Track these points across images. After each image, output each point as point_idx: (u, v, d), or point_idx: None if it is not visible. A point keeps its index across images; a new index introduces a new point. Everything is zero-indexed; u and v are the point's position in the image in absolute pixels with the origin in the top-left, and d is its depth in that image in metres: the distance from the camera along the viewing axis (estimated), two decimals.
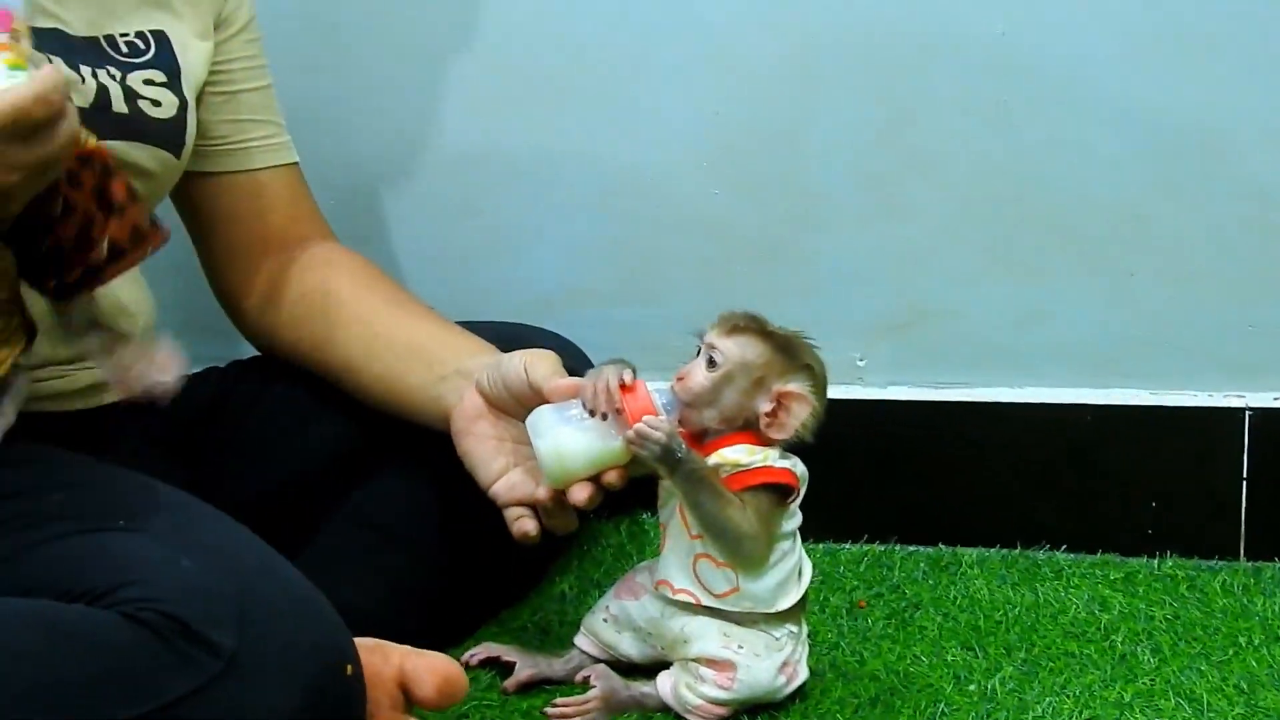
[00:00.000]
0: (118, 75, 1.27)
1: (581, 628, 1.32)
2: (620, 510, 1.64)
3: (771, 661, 1.23)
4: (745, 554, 1.20)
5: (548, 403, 1.21)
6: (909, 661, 1.35)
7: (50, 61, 1.09)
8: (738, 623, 1.23)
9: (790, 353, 1.21)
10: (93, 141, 1.04)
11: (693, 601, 1.23)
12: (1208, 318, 1.56)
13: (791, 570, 1.23)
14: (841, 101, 1.58)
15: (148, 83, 1.28)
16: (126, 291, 1.36)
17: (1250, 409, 1.55)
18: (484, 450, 1.26)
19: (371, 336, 1.37)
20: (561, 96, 1.65)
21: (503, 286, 1.70)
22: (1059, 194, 1.56)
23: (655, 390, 1.19)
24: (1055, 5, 1.51)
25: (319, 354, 1.40)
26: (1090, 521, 1.58)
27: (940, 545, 1.60)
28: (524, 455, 1.25)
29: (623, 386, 1.18)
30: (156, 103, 1.29)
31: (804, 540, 1.25)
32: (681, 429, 1.19)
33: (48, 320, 1.27)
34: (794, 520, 1.23)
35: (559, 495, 1.20)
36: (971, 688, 1.29)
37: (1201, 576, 1.50)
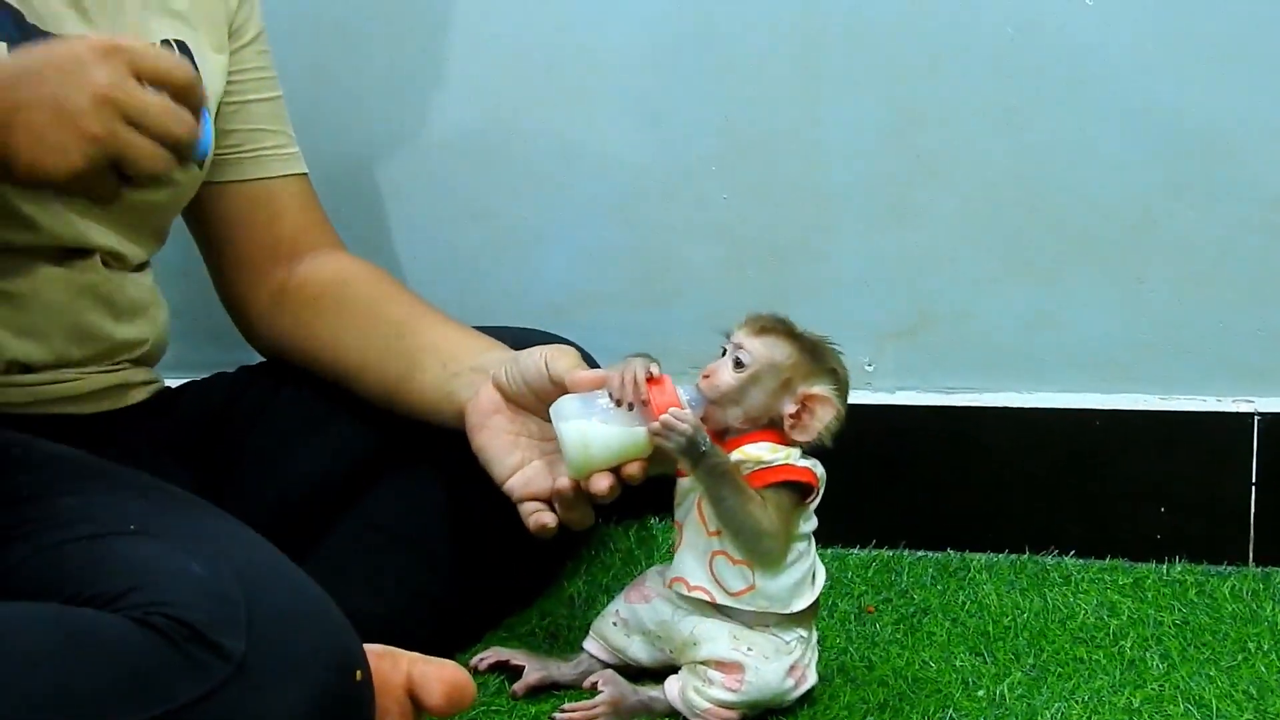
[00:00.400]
0: None
1: (590, 631, 1.32)
2: (629, 515, 1.64)
3: (780, 664, 1.23)
4: (764, 550, 1.20)
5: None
6: (917, 667, 1.34)
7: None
8: (749, 625, 1.23)
9: (817, 356, 1.22)
10: None
11: (707, 599, 1.23)
12: (1217, 323, 1.56)
13: (807, 572, 1.24)
14: (851, 105, 1.58)
15: None
16: (140, 294, 1.36)
17: (1260, 414, 1.54)
18: (500, 444, 1.26)
19: (384, 337, 1.38)
20: (573, 101, 1.65)
21: (513, 291, 1.70)
22: (1068, 198, 1.56)
23: (680, 387, 1.19)
24: (1065, 9, 1.51)
25: (330, 355, 1.40)
26: (1099, 526, 1.58)
27: (949, 550, 1.59)
28: (540, 450, 1.25)
29: (649, 379, 1.18)
30: None
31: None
32: (705, 426, 1.20)
33: (60, 321, 1.28)
34: (810, 523, 1.23)
35: (578, 486, 1.20)
36: (980, 693, 1.29)
37: (1210, 582, 1.50)
